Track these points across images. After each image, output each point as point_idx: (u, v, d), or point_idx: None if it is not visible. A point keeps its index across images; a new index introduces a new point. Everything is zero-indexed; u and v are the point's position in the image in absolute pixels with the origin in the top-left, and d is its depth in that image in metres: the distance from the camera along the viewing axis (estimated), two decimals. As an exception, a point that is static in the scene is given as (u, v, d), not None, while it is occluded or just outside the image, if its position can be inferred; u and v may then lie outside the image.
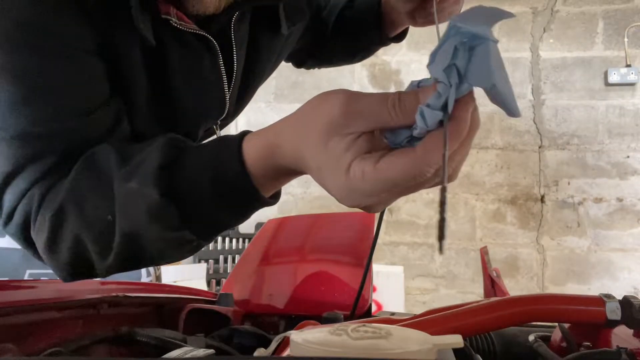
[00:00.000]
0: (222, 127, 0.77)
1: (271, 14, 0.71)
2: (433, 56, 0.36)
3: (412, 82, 0.39)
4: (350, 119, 0.39)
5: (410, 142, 0.39)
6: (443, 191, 0.37)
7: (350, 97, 0.39)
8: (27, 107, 0.52)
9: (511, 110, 0.37)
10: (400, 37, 0.86)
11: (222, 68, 0.67)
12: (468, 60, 0.34)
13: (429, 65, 0.36)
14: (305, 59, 0.97)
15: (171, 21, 0.59)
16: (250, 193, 0.46)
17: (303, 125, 0.42)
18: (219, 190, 0.47)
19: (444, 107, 0.36)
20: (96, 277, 0.56)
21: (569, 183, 3.17)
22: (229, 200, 0.48)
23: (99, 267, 0.52)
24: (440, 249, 0.35)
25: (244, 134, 0.47)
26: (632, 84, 3.11)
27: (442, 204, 0.36)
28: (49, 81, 0.53)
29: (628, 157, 3.12)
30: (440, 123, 0.37)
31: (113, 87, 0.58)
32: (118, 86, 0.59)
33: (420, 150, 0.37)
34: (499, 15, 0.34)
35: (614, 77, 3.11)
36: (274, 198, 0.50)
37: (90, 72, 0.56)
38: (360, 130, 0.39)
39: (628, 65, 3.10)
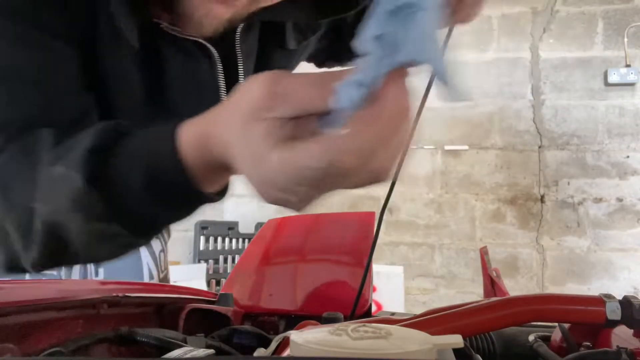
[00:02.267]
0: None
1: (280, 29, 0.66)
2: (363, 26, 0.30)
3: None
4: (272, 101, 0.34)
5: None
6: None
7: (277, 78, 0.35)
8: None
9: (453, 92, 0.30)
10: None
11: (221, 79, 0.63)
12: (401, 28, 0.29)
13: (358, 39, 0.31)
14: (325, 59, 0.92)
15: (161, 25, 0.56)
16: (187, 187, 0.42)
17: (231, 110, 0.38)
18: (151, 183, 0.43)
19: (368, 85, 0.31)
20: (29, 272, 0.52)
21: (569, 183, 3.17)
22: (163, 194, 0.43)
23: (24, 261, 0.49)
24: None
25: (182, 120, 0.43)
26: (632, 84, 3.11)
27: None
28: (9, 63, 0.51)
29: (628, 157, 3.12)
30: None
31: (92, 83, 0.56)
32: (105, 86, 0.57)
33: (335, 134, 0.33)
34: None
35: (613, 77, 3.11)
36: (220, 194, 0.45)
37: (59, 59, 0.53)
38: (285, 114, 0.34)
39: (628, 65, 3.10)
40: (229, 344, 0.63)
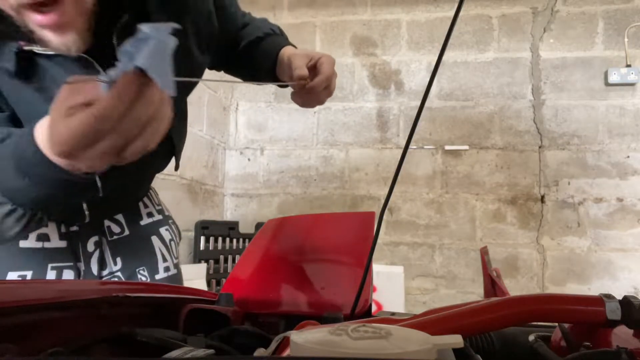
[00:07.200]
0: None
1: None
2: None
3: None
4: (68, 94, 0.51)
5: None
6: None
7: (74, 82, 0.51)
8: None
9: (164, 85, 0.47)
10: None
11: None
12: (138, 49, 0.46)
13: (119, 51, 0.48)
14: (213, 66, 1.09)
15: (34, 49, 0.68)
16: (46, 164, 0.57)
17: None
18: (19, 165, 0.62)
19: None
20: None
21: (569, 183, 3.17)
22: (30, 174, 0.61)
23: None
24: None
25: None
26: (632, 84, 3.11)
27: None
28: None
29: (628, 157, 3.12)
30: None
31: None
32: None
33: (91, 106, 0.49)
34: (165, 28, 0.47)
35: (614, 77, 3.11)
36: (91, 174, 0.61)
37: None
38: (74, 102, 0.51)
39: (628, 65, 3.10)
40: (229, 344, 0.63)
